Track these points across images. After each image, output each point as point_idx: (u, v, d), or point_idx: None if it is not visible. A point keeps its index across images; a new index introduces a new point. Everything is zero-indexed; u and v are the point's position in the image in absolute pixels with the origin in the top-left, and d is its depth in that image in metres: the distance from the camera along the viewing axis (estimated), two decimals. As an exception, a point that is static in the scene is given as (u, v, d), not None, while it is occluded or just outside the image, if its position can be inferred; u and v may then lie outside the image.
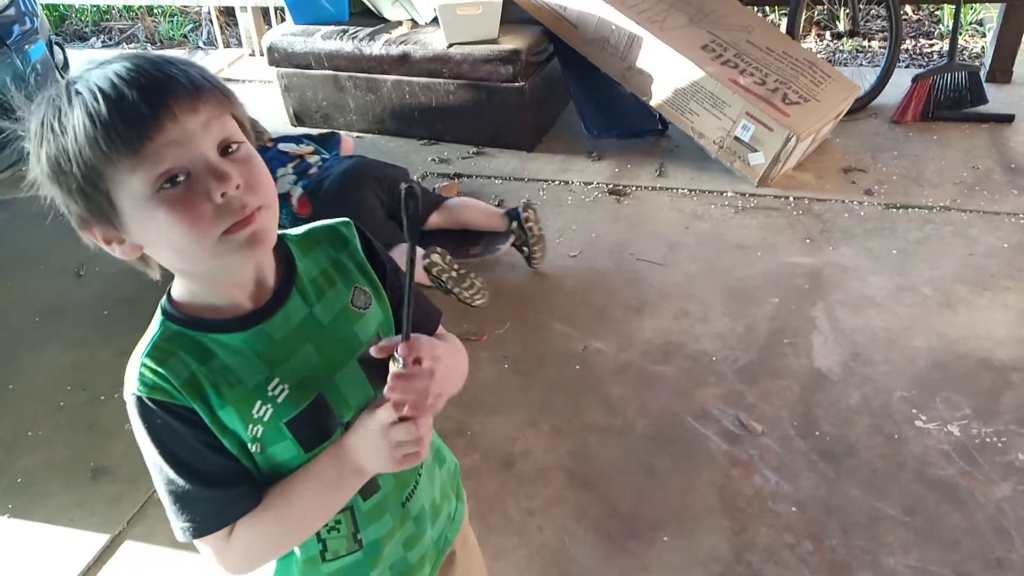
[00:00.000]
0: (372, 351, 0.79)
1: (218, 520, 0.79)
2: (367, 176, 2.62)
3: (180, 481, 0.77)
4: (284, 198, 2.62)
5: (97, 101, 0.68)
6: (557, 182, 3.19)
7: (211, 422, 0.77)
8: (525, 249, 2.63)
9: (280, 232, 0.82)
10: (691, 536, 1.76)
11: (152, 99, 0.69)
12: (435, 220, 2.70)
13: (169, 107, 0.69)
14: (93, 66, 0.72)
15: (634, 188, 3.09)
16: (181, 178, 0.70)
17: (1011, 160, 3.04)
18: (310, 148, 2.83)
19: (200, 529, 0.79)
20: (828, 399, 2.07)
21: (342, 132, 3.03)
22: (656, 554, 1.73)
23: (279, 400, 0.80)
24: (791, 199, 2.94)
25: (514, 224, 2.62)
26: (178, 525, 0.79)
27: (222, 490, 0.79)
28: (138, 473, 2.02)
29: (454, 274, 2.37)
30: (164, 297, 0.81)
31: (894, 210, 2.82)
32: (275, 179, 2.57)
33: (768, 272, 2.56)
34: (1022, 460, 1.86)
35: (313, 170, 2.70)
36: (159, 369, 0.76)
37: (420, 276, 2.32)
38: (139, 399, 0.76)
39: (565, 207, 3.00)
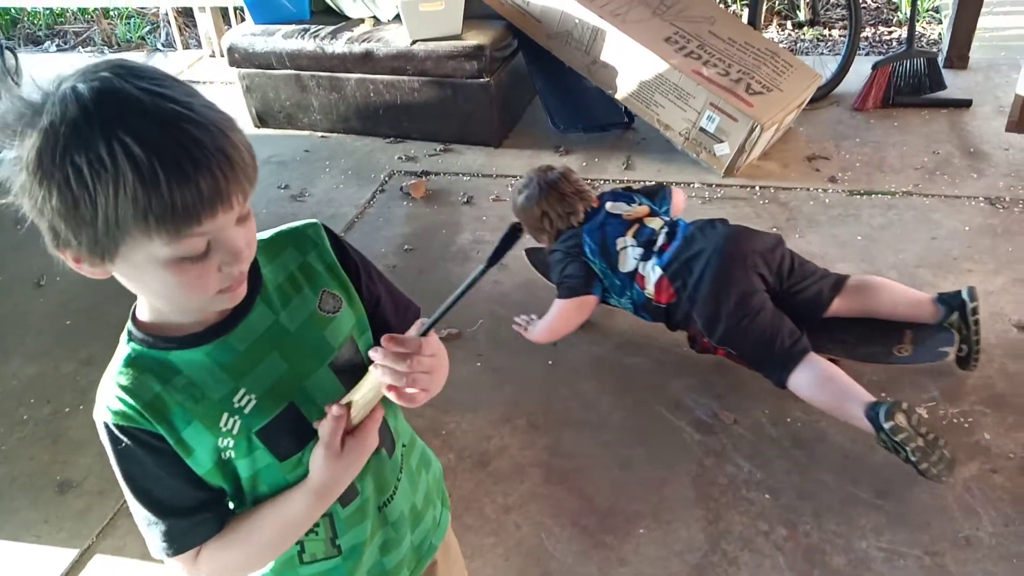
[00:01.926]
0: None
1: (179, 544, 0.80)
2: (752, 254, 1.97)
3: (139, 506, 0.79)
4: (630, 277, 2.06)
5: (155, 170, 0.62)
6: (525, 177, 3.18)
7: (176, 444, 0.77)
8: (964, 348, 1.95)
9: None
10: (667, 527, 1.77)
11: (216, 186, 0.65)
12: (838, 306, 2.03)
13: (230, 198, 0.67)
14: (116, 80, 0.64)
15: (602, 181, 3.10)
16: (203, 251, 0.70)
17: (970, 144, 3.10)
18: (645, 208, 2.19)
19: (164, 550, 0.80)
20: (798, 386, 2.09)
21: (672, 184, 2.45)
22: (633, 546, 1.74)
23: (246, 411, 0.79)
24: (757, 188, 2.96)
25: (954, 316, 1.94)
26: (148, 543, 0.81)
27: (179, 518, 0.80)
28: (105, 485, 1.99)
29: (921, 442, 1.69)
30: (129, 319, 0.80)
31: (858, 196, 2.86)
32: (614, 252, 2.06)
33: (736, 262, 2.58)
34: (987, 439, 1.89)
35: (661, 240, 2.07)
36: (123, 395, 0.76)
37: (864, 424, 1.75)
38: (105, 424, 0.77)
39: (534, 202, 2.99)
